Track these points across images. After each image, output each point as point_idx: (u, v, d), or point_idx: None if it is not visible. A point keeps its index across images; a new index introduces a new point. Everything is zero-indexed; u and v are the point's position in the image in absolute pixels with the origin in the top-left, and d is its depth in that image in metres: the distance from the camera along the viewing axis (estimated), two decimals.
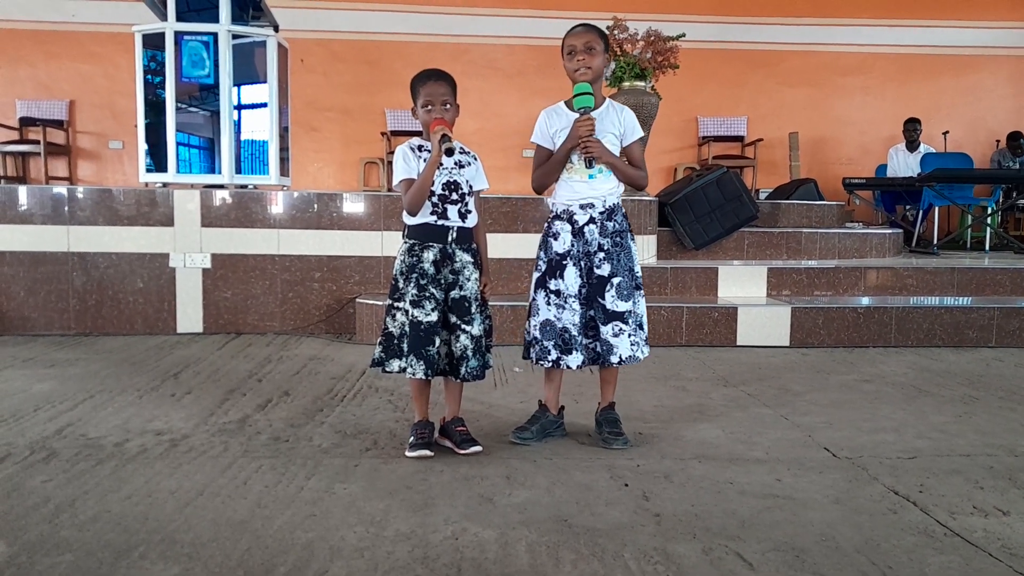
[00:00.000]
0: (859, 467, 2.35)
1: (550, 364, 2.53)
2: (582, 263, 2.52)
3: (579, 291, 2.51)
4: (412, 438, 2.44)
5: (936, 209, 7.27)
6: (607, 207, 2.53)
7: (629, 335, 2.50)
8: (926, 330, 4.39)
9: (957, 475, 2.29)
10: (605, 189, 2.53)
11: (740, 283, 4.80)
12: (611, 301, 2.48)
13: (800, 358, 4.04)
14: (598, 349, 2.52)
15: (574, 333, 2.50)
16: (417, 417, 2.51)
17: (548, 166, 2.56)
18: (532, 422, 2.59)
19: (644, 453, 2.46)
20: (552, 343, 2.51)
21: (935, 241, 6.98)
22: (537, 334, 2.54)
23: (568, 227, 2.53)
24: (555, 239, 2.54)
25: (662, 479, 2.23)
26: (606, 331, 2.49)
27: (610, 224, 2.52)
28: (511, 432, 2.57)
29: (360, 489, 2.12)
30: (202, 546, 1.75)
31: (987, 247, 7.34)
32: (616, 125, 2.55)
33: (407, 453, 2.40)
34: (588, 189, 2.52)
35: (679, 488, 2.16)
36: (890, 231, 6.21)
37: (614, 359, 2.49)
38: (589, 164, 2.46)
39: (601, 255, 2.50)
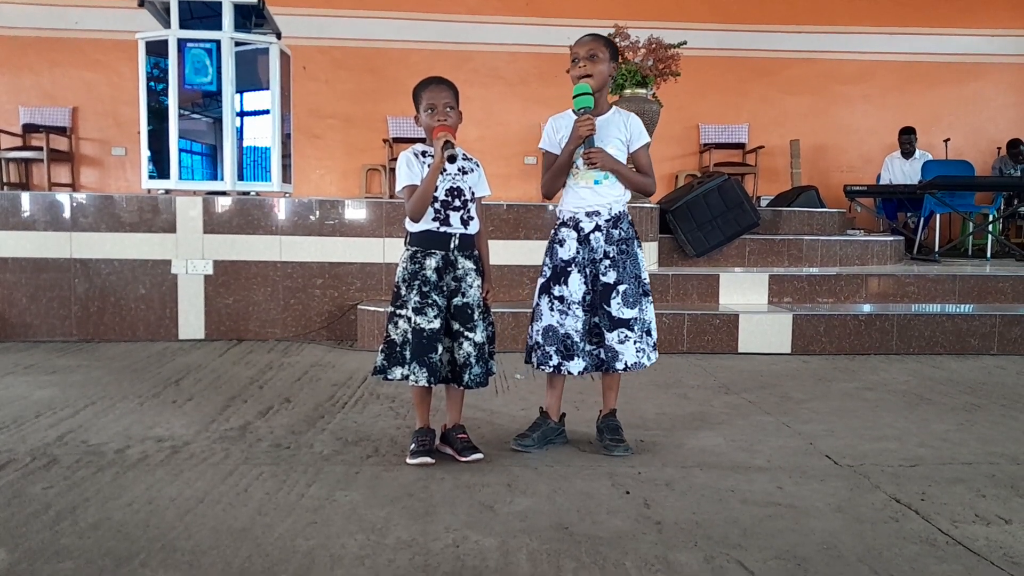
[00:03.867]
0: (861, 475, 2.35)
1: (551, 369, 2.53)
2: (587, 270, 2.53)
3: (583, 298, 2.52)
4: (413, 445, 2.44)
5: (937, 216, 7.26)
6: (613, 215, 2.54)
7: (635, 341, 2.51)
8: (928, 338, 4.39)
9: (959, 483, 2.29)
10: (611, 196, 2.54)
11: (741, 290, 4.80)
12: (617, 308, 2.49)
13: (802, 365, 4.03)
14: (602, 355, 2.53)
15: (576, 339, 2.51)
16: (418, 424, 2.51)
17: (554, 170, 2.57)
18: (533, 429, 2.59)
19: (646, 461, 2.46)
20: (554, 348, 2.52)
21: (936, 248, 6.97)
22: (539, 339, 2.55)
23: (574, 234, 2.54)
24: (560, 246, 2.55)
25: (663, 487, 2.22)
26: (611, 338, 2.49)
27: (616, 232, 2.53)
28: (512, 439, 2.57)
29: (361, 496, 2.12)
30: (203, 554, 1.75)
31: (988, 254, 7.34)
32: (622, 131, 2.56)
33: (408, 460, 2.40)
34: (594, 196, 2.53)
35: (681, 496, 2.15)
36: (891, 238, 6.20)
37: (619, 365, 2.50)
38: (591, 165, 2.48)
39: (607, 263, 2.51)
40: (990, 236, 7.34)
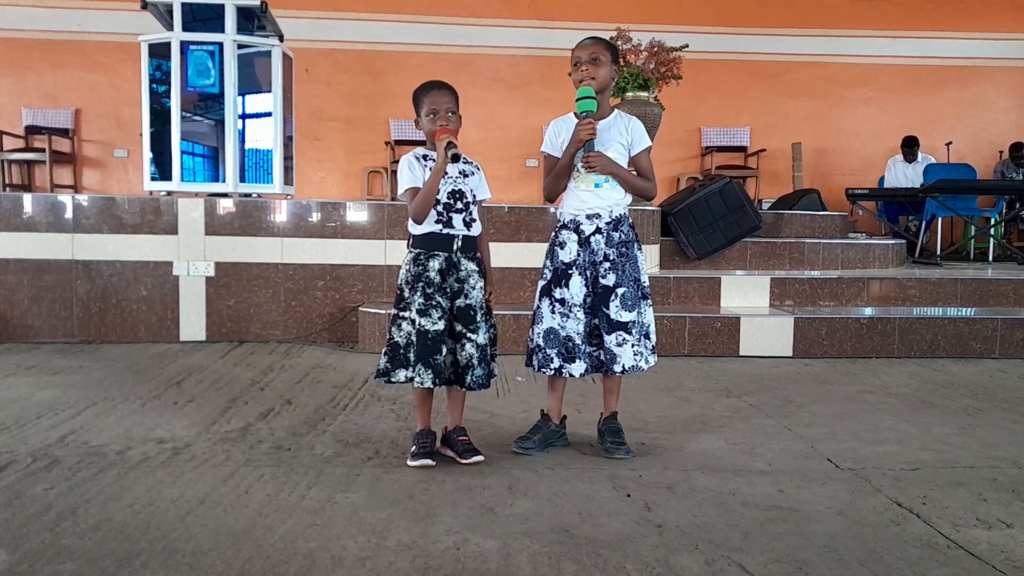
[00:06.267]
0: (862, 478, 2.35)
1: (552, 372, 2.53)
2: (588, 272, 2.53)
3: (584, 300, 2.52)
4: (414, 447, 2.44)
5: (939, 220, 7.26)
6: (613, 217, 2.54)
7: (632, 345, 2.51)
8: (929, 341, 4.38)
9: (961, 487, 2.28)
10: (612, 199, 2.54)
11: (743, 293, 4.79)
12: (615, 311, 2.49)
13: (803, 369, 4.03)
14: (602, 358, 2.53)
15: (577, 342, 2.51)
16: (419, 426, 2.50)
17: (555, 173, 2.58)
18: (534, 432, 2.59)
19: (646, 464, 2.45)
20: (555, 351, 2.52)
21: (938, 252, 6.97)
22: (540, 342, 2.54)
23: (575, 237, 2.54)
24: (561, 248, 2.55)
25: (664, 490, 2.22)
26: (610, 340, 2.50)
27: (616, 234, 2.53)
28: (513, 442, 2.57)
29: (362, 498, 2.12)
30: (203, 555, 1.75)
31: (990, 258, 7.33)
32: (623, 135, 2.56)
33: (409, 462, 2.40)
34: (595, 199, 2.53)
35: (682, 499, 2.15)
36: (893, 242, 6.20)
37: (617, 368, 2.50)
38: (589, 168, 2.48)
39: (607, 265, 2.51)
40: (992, 239, 7.34)
